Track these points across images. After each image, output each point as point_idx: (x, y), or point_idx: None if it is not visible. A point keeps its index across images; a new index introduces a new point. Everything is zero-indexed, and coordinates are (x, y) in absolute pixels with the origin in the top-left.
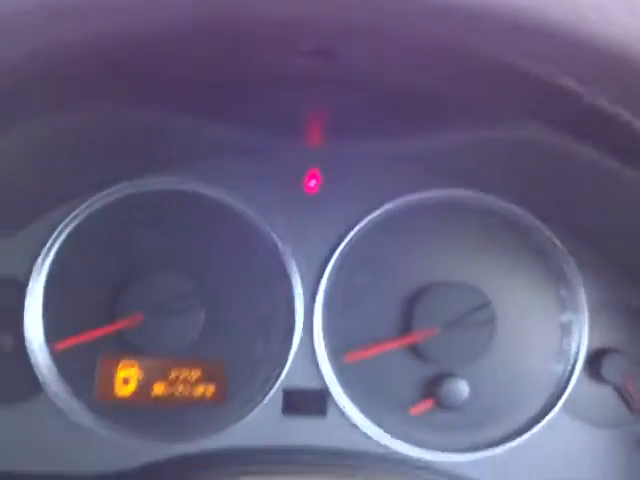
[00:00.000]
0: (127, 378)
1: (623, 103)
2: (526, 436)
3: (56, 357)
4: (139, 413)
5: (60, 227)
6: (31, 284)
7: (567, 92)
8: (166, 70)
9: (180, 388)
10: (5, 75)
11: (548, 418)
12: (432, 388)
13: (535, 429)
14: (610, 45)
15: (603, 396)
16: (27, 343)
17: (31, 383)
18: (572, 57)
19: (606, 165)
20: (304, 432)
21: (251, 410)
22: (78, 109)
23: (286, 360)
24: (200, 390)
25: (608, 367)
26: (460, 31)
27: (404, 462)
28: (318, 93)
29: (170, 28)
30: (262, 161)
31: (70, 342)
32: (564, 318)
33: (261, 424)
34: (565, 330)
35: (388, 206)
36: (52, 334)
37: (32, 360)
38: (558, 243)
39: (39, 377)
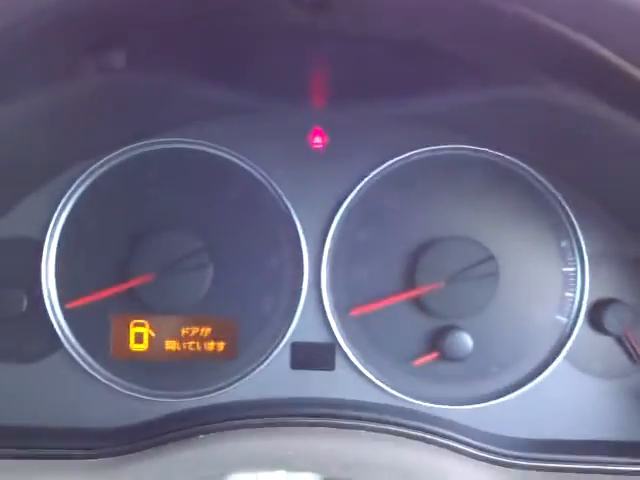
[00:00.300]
0: (140, 335)
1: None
2: (529, 386)
3: (71, 315)
4: (153, 370)
5: (73, 187)
6: (46, 243)
7: (590, 52)
8: (161, 23)
9: (192, 344)
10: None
11: (551, 368)
12: (437, 341)
13: (538, 379)
14: None
15: (605, 346)
16: (43, 301)
17: (49, 341)
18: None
19: (616, 121)
20: (312, 385)
21: (260, 364)
22: (86, 73)
23: (294, 315)
24: (211, 346)
25: (610, 318)
26: None
27: (410, 413)
28: (322, 51)
29: None
30: (269, 120)
31: (83, 301)
32: (566, 269)
33: (270, 378)
34: (567, 281)
35: (392, 162)
36: (66, 293)
37: (48, 318)
38: (559, 196)
39: (57, 335)
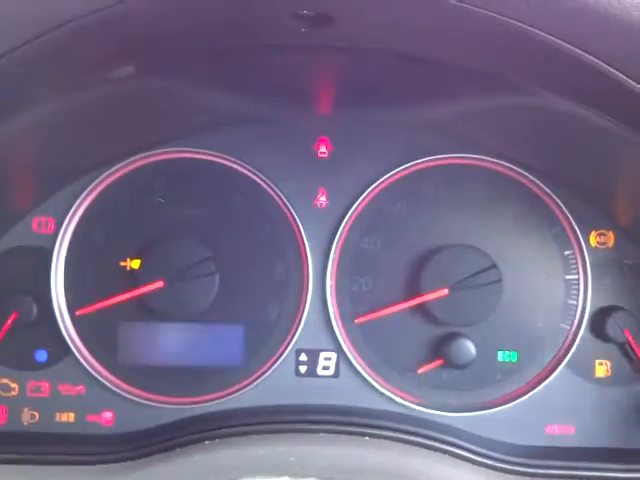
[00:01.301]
0: (147, 342)
1: None
2: (532, 393)
3: (80, 322)
4: (160, 376)
5: (82, 196)
6: (55, 251)
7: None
8: (172, 39)
9: (198, 351)
10: (24, 51)
11: (554, 375)
12: (440, 348)
13: (541, 386)
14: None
15: (608, 354)
16: (52, 309)
17: (57, 347)
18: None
19: (619, 132)
20: (317, 392)
21: (266, 371)
22: (98, 82)
23: (299, 323)
24: (217, 353)
25: (612, 325)
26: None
27: (413, 420)
28: (327, 62)
29: None
30: (274, 130)
31: (92, 308)
32: (569, 277)
33: (275, 385)
34: (570, 289)
35: (396, 171)
36: (76, 300)
37: (57, 325)
38: (562, 204)
39: (66, 341)
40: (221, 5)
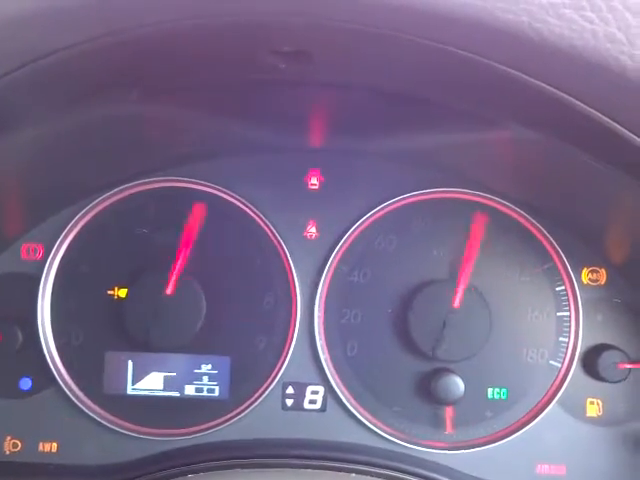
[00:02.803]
0: (133, 373)
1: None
2: (522, 431)
3: (65, 351)
4: (145, 408)
5: (70, 224)
6: (43, 279)
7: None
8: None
9: (184, 382)
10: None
11: (544, 413)
12: (429, 384)
13: (531, 425)
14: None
15: (599, 393)
16: (39, 337)
17: (42, 375)
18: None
19: (614, 173)
20: (303, 426)
21: (252, 404)
22: (91, 107)
23: (286, 355)
24: (204, 384)
25: (604, 363)
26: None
27: (401, 457)
28: (315, 94)
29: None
30: (265, 160)
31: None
32: (560, 314)
33: (261, 418)
34: (561, 326)
35: (387, 204)
36: (61, 329)
37: (43, 353)
38: (554, 241)
39: (50, 370)
40: (194, 43)
